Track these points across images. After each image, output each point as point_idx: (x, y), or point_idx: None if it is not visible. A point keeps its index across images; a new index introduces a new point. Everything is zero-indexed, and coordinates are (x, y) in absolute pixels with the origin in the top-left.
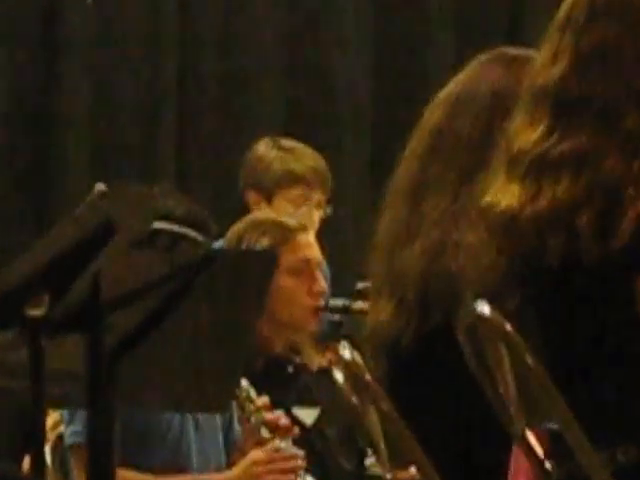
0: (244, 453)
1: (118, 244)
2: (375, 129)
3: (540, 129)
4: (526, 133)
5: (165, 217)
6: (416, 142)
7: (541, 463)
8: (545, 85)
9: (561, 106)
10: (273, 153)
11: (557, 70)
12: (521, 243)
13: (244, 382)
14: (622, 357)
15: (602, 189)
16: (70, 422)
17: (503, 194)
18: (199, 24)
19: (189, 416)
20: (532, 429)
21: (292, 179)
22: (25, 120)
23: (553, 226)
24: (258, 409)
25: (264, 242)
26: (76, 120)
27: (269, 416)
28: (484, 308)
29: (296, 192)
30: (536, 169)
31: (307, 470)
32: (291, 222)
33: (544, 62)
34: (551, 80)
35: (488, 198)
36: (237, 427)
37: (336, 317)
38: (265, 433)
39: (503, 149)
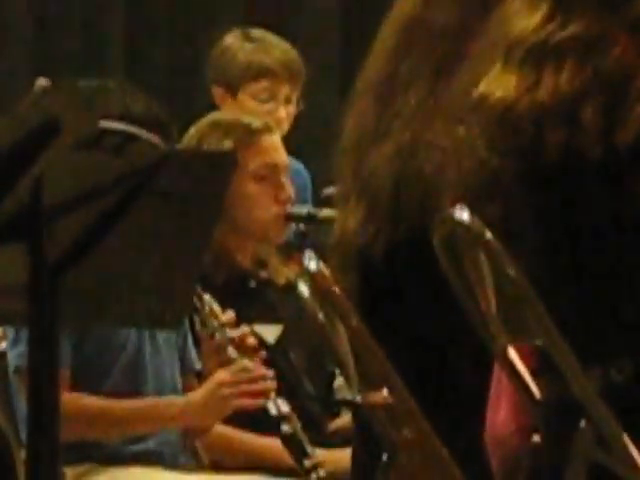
0: (207, 374)
1: (62, 145)
2: (344, 18)
3: (540, 14)
4: (524, 18)
5: (122, 115)
6: (387, 33)
7: (525, 383)
8: None
9: None
10: (240, 44)
11: None
12: (516, 136)
13: (207, 296)
14: (622, 260)
15: (609, 79)
16: (15, 343)
17: (497, 84)
18: None
19: (146, 335)
20: (515, 346)
21: (256, 72)
22: None
23: (553, 118)
24: (222, 325)
25: (226, 144)
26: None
27: (235, 333)
28: (463, 214)
29: (261, 86)
30: (536, 57)
31: (277, 392)
32: (256, 123)
33: None
34: None
35: (480, 88)
36: (192, 348)
37: (302, 226)
38: (231, 352)
39: (496, 36)
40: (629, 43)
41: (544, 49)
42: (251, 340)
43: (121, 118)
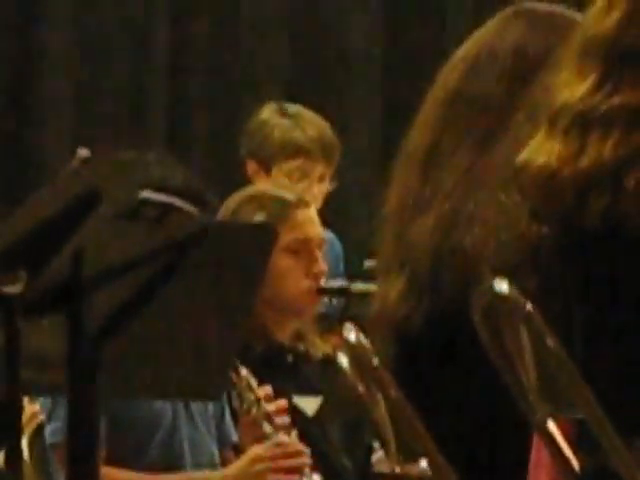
0: (243, 448)
1: (102, 215)
2: (386, 91)
3: (588, 82)
4: (572, 86)
5: (159, 187)
6: (430, 106)
7: (564, 455)
8: (597, 35)
9: (614, 58)
10: (276, 120)
11: (611, 20)
12: (558, 204)
13: (244, 370)
14: None
15: None
16: (51, 418)
17: (541, 151)
18: None
19: (181, 408)
20: (555, 418)
21: (292, 150)
22: (5, 83)
23: (597, 186)
24: (259, 400)
25: (260, 218)
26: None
27: (271, 408)
28: (502, 286)
29: (295, 164)
30: (581, 124)
31: (313, 467)
32: (290, 196)
33: (596, 12)
34: (604, 30)
35: (523, 156)
36: (229, 421)
37: (339, 300)
38: (267, 427)
39: (541, 104)
40: None
41: (591, 117)
42: (285, 418)
43: (160, 189)
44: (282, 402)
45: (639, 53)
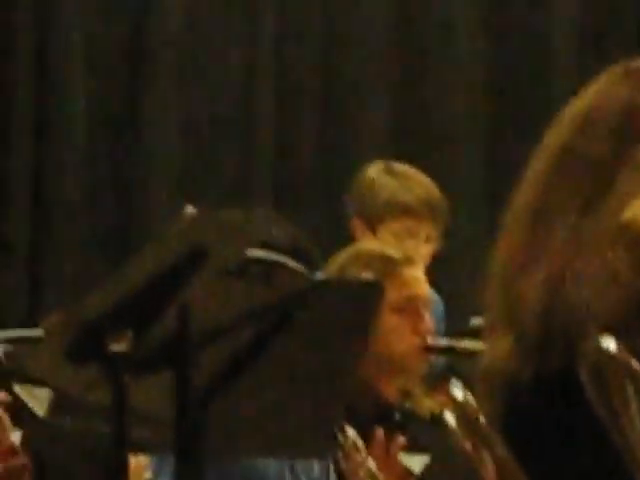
0: None
1: (209, 272)
2: (489, 149)
3: None
4: None
5: (266, 244)
6: (538, 164)
7: None
8: None
9: None
10: (383, 179)
11: None
12: None
13: (350, 431)
14: None
15: None
16: (158, 475)
17: None
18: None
19: (286, 469)
20: None
21: (398, 210)
22: (107, 126)
23: None
24: (365, 459)
25: (367, 276)
26: (163, 132)
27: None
28: (610, 344)
29: (401, 225)
30: None
31: None
32: (397, 255)
33: None
34: None
35: (628, 214)
36: (334, 478)
37: (446, 358)
38: None
39: None
40: None
41: None
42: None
43: (267, 246)
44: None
45: None
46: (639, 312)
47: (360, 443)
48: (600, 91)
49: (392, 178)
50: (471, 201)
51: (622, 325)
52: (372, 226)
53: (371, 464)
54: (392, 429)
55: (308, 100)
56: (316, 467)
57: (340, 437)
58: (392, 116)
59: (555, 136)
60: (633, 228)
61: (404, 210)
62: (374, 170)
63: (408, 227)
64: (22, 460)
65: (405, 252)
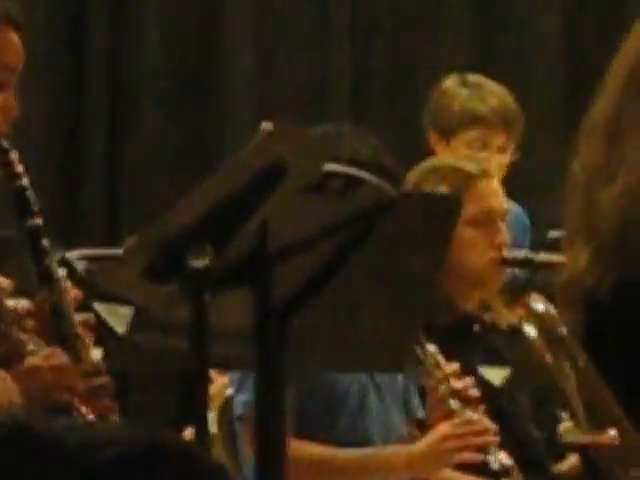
0: (431, 425)
1: (287, 188)
2: (568, 62)
3: None
4: None
5: (350, 160)
6: (614, 76)
7: None
8: None
9: None
10: (457, 89)
11: None
12: None
13: (431, 347)
14: None
15: None
16: (239, 390)
17: None
18: None
19: (369, 383)
20: None
21: (471, 120)
22: (182, 53)
23: None
24: (446, 377)
25: (443, 189)
26: (240, 52)
27: (458, 384)
28: None
29: (475, 134)
30: None
31: (500, 444)
32: (472, 168)
33: None
34: None
35: None
36: (415, 397)
37: (524, 271)
38: (454, 404)
39: None
40: None
41: None
42: (474, 392)
43: (350, 162)
44: (468, 380)
45: None
46: None
47: (441, 358)
48: None
49: (466, 89)
50: (550, 113)
51: None
52: (446, 137)
53: (452, 380)
54: (471, 341)
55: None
56: (399, 383)
57: (421, 353)
58: (472, 34)
59: (631, 47)
60: None
61: (476, 120)
62: (449, 82)
63: (481, 138)
64: (104, 379)
65: (481, 165)
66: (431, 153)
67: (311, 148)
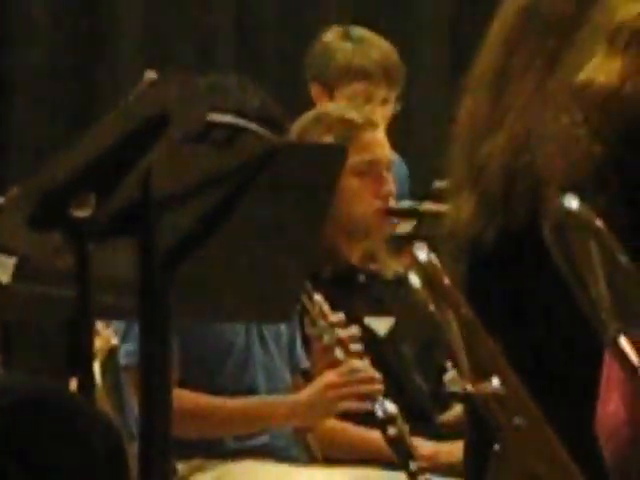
0: (315, 375)
1: (171, 138)
2: (453, 10)
3: None
4: (630, 4)
5: (236, 111)
6: (500, 24)
7: (636, 370)
8: None
9: None
10: (339, 43)
11: None
12: (621, 122)
13: (317, 296)
14: None
15: None
16: (125, 339)
17: (601, 70)
18: None
19: (254, 333)
20: (626, 334)
21: (354, 74)
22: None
23: None
24: (332, 326)
25: (327, 140)
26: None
27: (344, 334)
28: (573, 203)
29: (358, 88)
30: None
31: (385, 392)
32: (358, 118)
33: None
34: None
35: (583, 75)
36: (300, 347)
37: (410, 220)
38: (339, 353)
39: (600, 23)
40: None
41: None
42: (358, 346)
43: (236, 113)
44: (354, 330)
45: None
46: (597, 174)
47: (326, 308)
48: None
49: (348, 42)
50: (434, 63)
51: (582, 187)
52: (329, 90)
53: (337, 330)
54: (356, 291)
55: None
56: (284, 334)
57: (307, 303)
58: None
59: None
60: (588, 91)
61: (360, 74)
62: (331, 34)
63: (364, 91)
64: None
65: (366, 115)
66: (314, 107)
67: (195, 98)
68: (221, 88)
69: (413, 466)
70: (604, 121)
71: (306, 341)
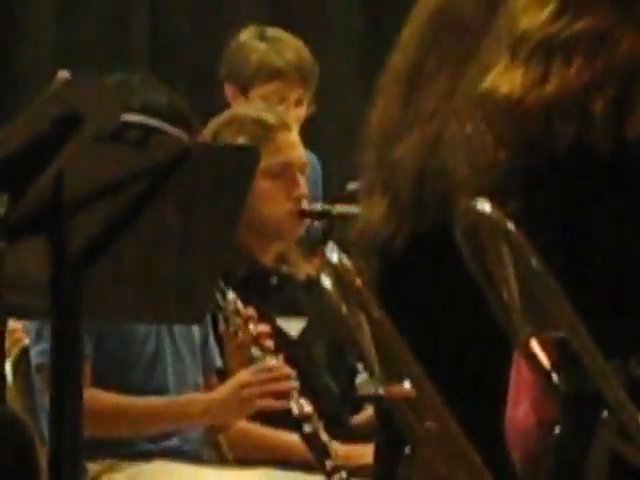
0: (230, 372)
1: (83, 138)
2: (367, 12)
3: (549, 9)
4: (533, 13)
5: (145, 109)
6: (412, 26)
7: (547, 373)
8: None
9: None
10: (254, 43)
11: None
12: (524, 131)
13: (231, 294)
14: (637, 254)
15: (619, 72)
16: (36, 340)
17: (504, 79)
18: None
19: (165, 333)
20: (537, 337)
21: (268, 74)
22: None
23: (563, 113)
24: (245, 323)
25: (241, 141)
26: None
27: (258, 329)
28: (485, 206)
29: (272, 88)
30: (544, 51)
31: (300, 390)
32: (272, 119)
33: None
34: None
35: (486, 84)
36: (213, 345)
37: (323, 222)
38: (254, 351)
39: (504, 31)
40: (638, 37)
41: (553, 44)
42: (269, 342)
43: (143, 111)
44: (265, 327)
45: None
46: (504, 181)
47: (240, 306)
48: None
49: (263, 42)
50: (348, 64)
51: (493, 191)
52: (243, 90)
53: (251, 327)
54: (269, 292)
55: None
56: (196, 334)
57: (220, 300)
58: None
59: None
60: (491, 100)
61: (274, 74)
62: (246, 34)
63: (278, 91)
64: None
65: (280, 117)
66: (228, 107)
67: (105, 98)
68: (127, 86)
69: (329, 464)
70: (508, 130)
71: (219, 340)
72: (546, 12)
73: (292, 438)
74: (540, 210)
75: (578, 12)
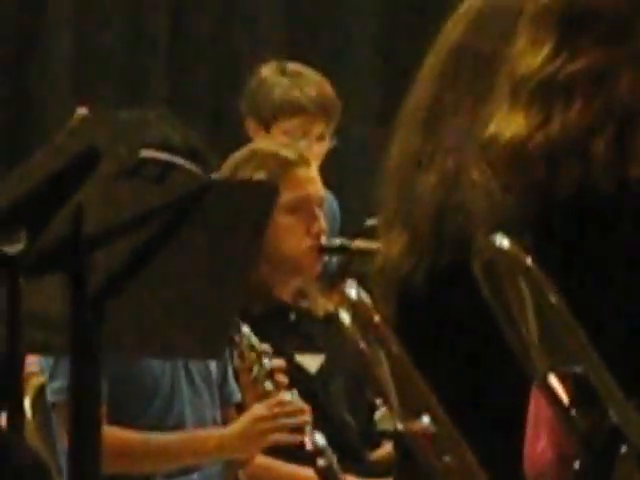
0: (245, 407)
1: (102, 174)
2: (387, 46)
3: (545, 50)
4: (530, 56)
5: (160, 145)
6: (432, 62)
7: (565, 409)
8: (549, 1)
9: (568, 23)
10: (275, 78)
11: None
12: (529, 176)
13: (245, 328)
14: None
15: (618, 111)
16: (53, 377)
17: (507, 124)
18: None
19: (181, 370)
20: (556, 373)
21: (291, 109)
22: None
23: (565, 155)
24: (260, 358)
25: (260, 176)
26: (59, 38)
27: (272, 364)
28: (503, 241)
29: (294, 123)
30: (543, 94)
31: (315, 426)
32: (291, 155)
33: None
34: None
35: (490, 130)
36: (232, 380)
37: (342, 257)
38: (268, 385)
39: (505, 75)
40: (636, 75)
41: (552, 85)
42: (283, 378)
43: (159, 148)
44: (280, 362)
45: (593, 16)
46: (515, 224)
47: (255, 340)
48: None
49: (284, 77)
50: (366, 99)
51: (509, 229)
52: (265, 126)
53: (265, 362)
54: (287, 328)
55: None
56: (214, 368)
57: (235, 335)
58: (287, 19)
59: (449, 33)
60: (495, 146)
61: (296, 110)
62: (267, 69)
63: (300, 126)
64: None
65: (299, 152)
66: (250, 142)
67: (123, 133)
68: (143, 122)
69: None
70: (513, 175)
71: (235, 375)
72: (542, 54)
73: (310, 473)
74: (550, 257)
75: (573, 52)
